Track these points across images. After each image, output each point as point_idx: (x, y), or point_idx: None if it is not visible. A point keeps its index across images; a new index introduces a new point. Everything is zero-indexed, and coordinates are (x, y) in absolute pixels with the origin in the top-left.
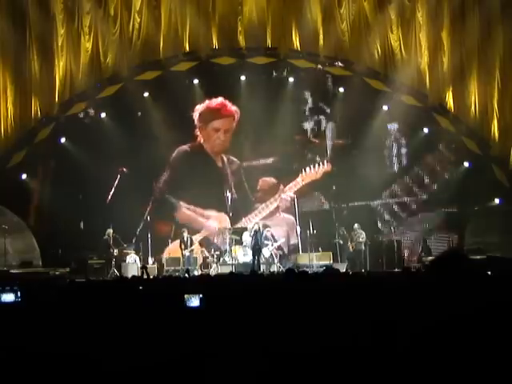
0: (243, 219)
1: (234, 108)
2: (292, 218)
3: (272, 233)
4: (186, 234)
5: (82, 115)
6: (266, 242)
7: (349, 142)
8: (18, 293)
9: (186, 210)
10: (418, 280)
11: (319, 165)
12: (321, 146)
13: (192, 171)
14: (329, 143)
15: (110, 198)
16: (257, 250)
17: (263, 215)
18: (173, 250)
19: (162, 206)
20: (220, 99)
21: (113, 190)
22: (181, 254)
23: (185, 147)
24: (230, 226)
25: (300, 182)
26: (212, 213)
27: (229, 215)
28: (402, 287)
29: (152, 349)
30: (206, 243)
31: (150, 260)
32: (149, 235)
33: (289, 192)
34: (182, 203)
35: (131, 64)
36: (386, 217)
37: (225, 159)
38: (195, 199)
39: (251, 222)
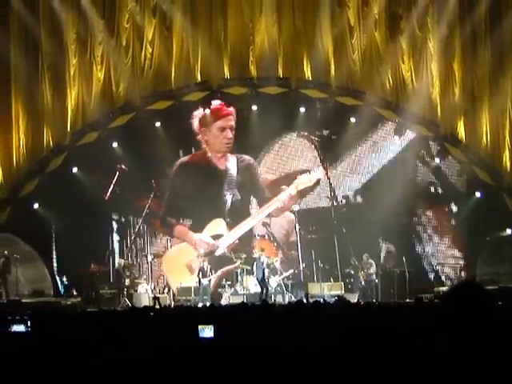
0: (254, 214)
1: (230, 108)
2: (292, 215)
3: (279, 264)
4: (206, 264)
5: (94, 145)
6: (269, 273)
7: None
8: (28, 323)
9: (179, 226)
10: (431, 311)
11: (314, 171)
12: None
13: (191, 183)
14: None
15: (108, 194)
16: (259, 279)
17: (263, 216)
18: (172, 256)
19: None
20: (216, 101)
21: (111, 186)
22: (198, 282)
23: (185, 159)
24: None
25: (293, 189)
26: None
27: (225, 220)
28: (415, 318)
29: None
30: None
31: (150, 257)
32: (147, 232)
33: (287, 194)
34: (177, 221)
35: (143, 94)
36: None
37: (232, 157)
38: (192, 212)
39: (254, 219)
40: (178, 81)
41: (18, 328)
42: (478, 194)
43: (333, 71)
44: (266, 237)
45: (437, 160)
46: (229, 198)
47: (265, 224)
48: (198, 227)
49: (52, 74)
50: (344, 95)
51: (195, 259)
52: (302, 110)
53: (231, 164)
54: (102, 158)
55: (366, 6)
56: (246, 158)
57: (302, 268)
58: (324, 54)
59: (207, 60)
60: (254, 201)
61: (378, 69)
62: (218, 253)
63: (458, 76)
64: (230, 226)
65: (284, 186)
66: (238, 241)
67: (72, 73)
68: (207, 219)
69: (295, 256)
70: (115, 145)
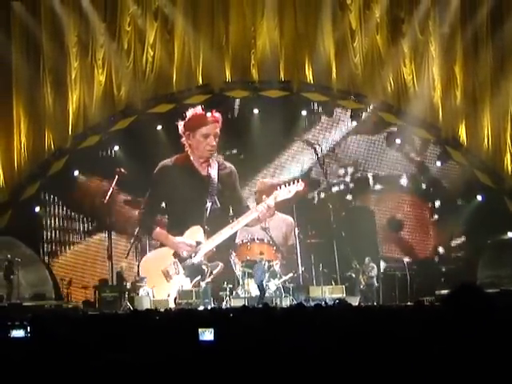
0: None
1: (217, 114)
2: (290, 218)
3: (279, 267)
4: (205, 268)
5: (95, 148)
6: (269, 276)
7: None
8: (28, 328)
9: (159, 229)
10: (432, 314)
11: (293, 183)
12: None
13: (172, 187)
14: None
15: (107, 198)
16: (259, 282)
17: (241, 226)
18: (149, 262)
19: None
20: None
21: (111, 190)
22: (197, 285)
23: (167, 162)
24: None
25: (272, 200)
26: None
27: (203, 227)
28: (416, 321)
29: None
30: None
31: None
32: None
33: (265, 205)
34: (157, 221)
35: (144, 97)
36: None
37: (214, 163)
38: (170, 217)
39: (232, 229)
40: (179, 84)
41: (18, 333)
42: (479, 197)
43: (334, 74)
44: (265, 240)
45: (438, 163)
46: (208, 205)
47: (263, 228)
48: (176, 233)
49: (53, 77)
50: (345, 98)
51: (172, 266)
52: (304, 113)
53: (213, 171)
54: (103, 162)
55: (368, 10)
56: (228, 165)
57: (301, 272)
58: (325, 58)
59: (209, 63)
60: (231, 210)
61: (380, 72)
62: (195, 260)
63: (459, 79)
64: (208, 234)
65: (264, 197)
66: (214, 249)
67: (73, 76)
68: (186, 225)
69: (294, 260)
70: (116, 148)
